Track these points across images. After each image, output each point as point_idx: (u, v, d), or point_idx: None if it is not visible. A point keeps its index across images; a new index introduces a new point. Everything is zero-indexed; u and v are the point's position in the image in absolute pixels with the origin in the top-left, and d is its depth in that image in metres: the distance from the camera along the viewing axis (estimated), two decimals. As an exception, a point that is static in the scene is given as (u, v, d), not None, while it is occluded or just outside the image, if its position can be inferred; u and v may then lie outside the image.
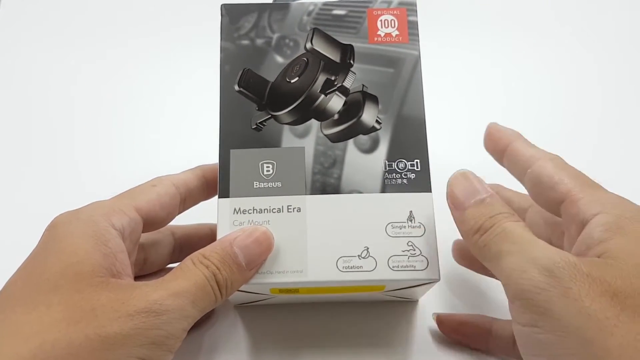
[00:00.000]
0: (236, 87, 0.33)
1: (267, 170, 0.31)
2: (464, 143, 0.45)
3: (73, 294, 0.25)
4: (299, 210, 0.30)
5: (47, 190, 0.43)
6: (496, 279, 0.27)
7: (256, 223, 0.30)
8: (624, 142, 0.45)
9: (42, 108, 0.47)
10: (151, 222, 0.31)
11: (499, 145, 0.32)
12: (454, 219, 0.29)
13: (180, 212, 0.33)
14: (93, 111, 0.46)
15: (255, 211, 0.30)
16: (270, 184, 0.31)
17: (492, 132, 0.32)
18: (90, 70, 0.48)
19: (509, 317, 0.27)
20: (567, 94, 0.47)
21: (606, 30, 0.50)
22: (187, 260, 0.28)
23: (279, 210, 0.30)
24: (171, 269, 0.35)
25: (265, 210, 0.30)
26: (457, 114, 0.46)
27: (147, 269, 0.34)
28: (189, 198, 0.33)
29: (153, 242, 0.34)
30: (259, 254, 0.29)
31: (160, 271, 0.35)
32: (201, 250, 0.28)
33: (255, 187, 0.31)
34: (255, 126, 0.32)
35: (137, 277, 0.33)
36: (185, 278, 0.27)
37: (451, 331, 0.36)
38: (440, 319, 0.36)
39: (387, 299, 0.36)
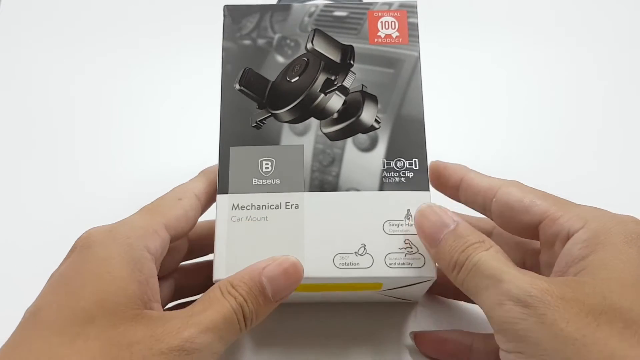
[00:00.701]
0: (237, 86, 0.33)
1: (266, 167, 0.31)
2: (463, 142, 0.45)
3: (109, 329, 0.25)
4: (296, 207, 0.31)
5: (47, 189, 0.43)
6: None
7: (254, 219, 0.30)
8: (625, 141, 0.45)
9: (42, 108, 0.47)
10: (176, 238, 0.31)
11: (451, 182, 0.33)
12: (431, 257, 0.29)
13: None
14: (93, 111, 0.47)
15: (253, 207, 0.31)
16: (269, 181, 0.31)
17: (440, 170, 0.33)
18: (90, 70, 0.48)
19: (490, 329, 0.27)
20: (567, 94, 0.47)
21: (606, 30, 0.50)
22: (216, 289, 0.27)
23: (277, 207, 0.31)
24: (182, 268, 0.35)
25: (264, 207, 0.31)
26: (455, 113, 0.46)
27: (160, 273, 0.33)
28: (205, 206, 0.33)
29: (170, 249, 0.33)
30: (286, 287, 0.28)
31: (173, 272, 0.35)
32: (230, 279, 0.28)
33: (254, 183, 0.31)
34: (255, 124, 0.32)
35: None
36: (214, 310, 0.26)
37: (431, 350, 0.35)
38: (418, 338, 0.35)
39: (386, 300, 0.36)
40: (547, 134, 0.45)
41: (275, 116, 0.33)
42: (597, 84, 0.48)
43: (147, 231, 0.28)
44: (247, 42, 0.34)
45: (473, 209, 0.33)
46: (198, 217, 0.32)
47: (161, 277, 0.33)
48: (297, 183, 0.31)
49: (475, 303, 0.33)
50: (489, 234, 0.35)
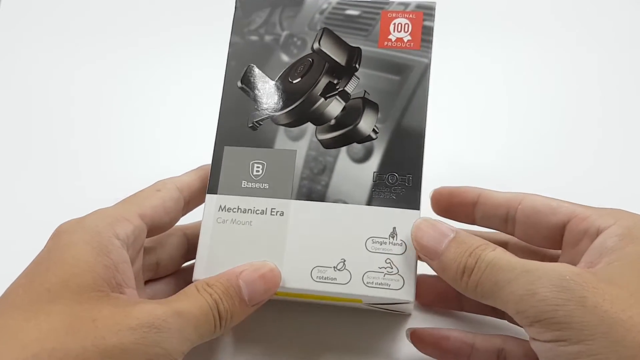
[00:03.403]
0: (239, 84, 0.33)
1: (257, 171, 0.31)
2: (464, 144, 0.43)
3: (74, 305, 0.25)
4: (282, 214, 0.30)
5: (47, 190, 0.43)
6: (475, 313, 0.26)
7: (239, 222, 0.30)
8: (627, 145, 0.43)
9: (42, 108, 0.47)
10: (155, 228, 0.31)
11: (468, 200, 0.32)
12: (434, 271, 0.28)
13: (183, 215, 0.33)
14: (93, 111, 0.46)
15: (239, 210, 0.31)
16: (257, 185, 0.31)
17: (452, 192, 0.32)
18: (90, 70, 0.48)
19: (490, 330, 0.26)
20: (571, 99, 0.45)
21: (612, 35, 0.47)
22: (192, 286, 0.28)
23: (263, 212, 0.30)
24: (185, 269, 0.35)
25: (249, 211, 0.30)
26: (458, 116, 0.44)
27: (160, 272, 0.34)
28: (192, 200, 0.33)
29: (165, 244, 0.34)
30: (263, 292, 0.29)
31: (175, 273, 0.35)
32: (206, 279, 0.28)
33: (243, 186, 0.31)
34: (252, 125, 0.32)
35: (151, 281, 0.33)
36: (190, 302, 0.27)
37: (430, 348, 0.33)
38: (417, 335, 0.33)
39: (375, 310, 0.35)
40: (550, 137, 0.43)
41: (273, 118, 0.32)
42: (603, 89, 0.45)
43: (116, 219, 0.29)
44: (254, 37, 0.34)
45: (488, 226, 0.32)
46: (179, 208, 0.32)
47: (165, 276, 0.34)
48: (284, 190, 0.31)
49: (483, 314, 0.33)
50: (505, 244, 0.33)
